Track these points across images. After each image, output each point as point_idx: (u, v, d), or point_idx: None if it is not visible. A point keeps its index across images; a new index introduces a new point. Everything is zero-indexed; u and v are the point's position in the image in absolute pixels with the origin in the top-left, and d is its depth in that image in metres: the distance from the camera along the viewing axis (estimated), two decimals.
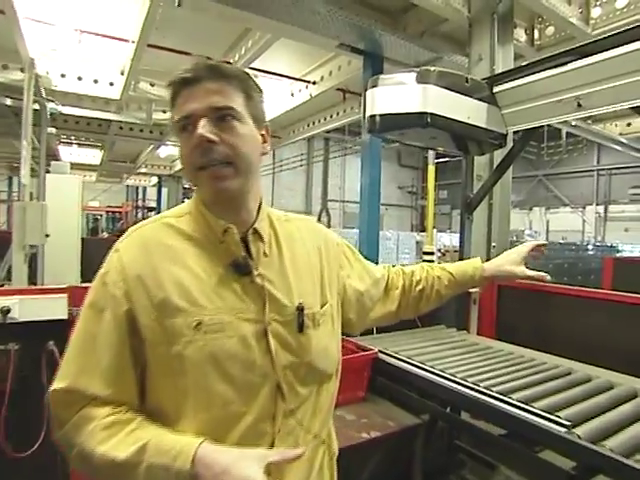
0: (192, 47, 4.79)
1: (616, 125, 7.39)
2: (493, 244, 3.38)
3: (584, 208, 20.12)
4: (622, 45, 1.80)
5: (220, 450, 0.74)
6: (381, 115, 2.22)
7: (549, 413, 1.43)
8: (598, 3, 3.57)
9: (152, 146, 9.43)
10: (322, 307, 0.96)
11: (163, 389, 0.83)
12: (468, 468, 2.10)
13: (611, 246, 12.18)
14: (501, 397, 1.57)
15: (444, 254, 15.49)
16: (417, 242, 20.57)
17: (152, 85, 5.94)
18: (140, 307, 0.83)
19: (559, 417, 1.40)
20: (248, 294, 0.88)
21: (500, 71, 2.81)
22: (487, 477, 2.01)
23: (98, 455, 0.75)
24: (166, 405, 0.83)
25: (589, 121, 6.63)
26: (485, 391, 1.62)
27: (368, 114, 2.27)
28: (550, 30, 3.88)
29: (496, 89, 2.36)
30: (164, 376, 0.83)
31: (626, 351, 2.04)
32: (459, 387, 1.69)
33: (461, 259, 2.98)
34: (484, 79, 2.40)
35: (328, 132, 15.26)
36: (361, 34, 3.59)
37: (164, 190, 14.19)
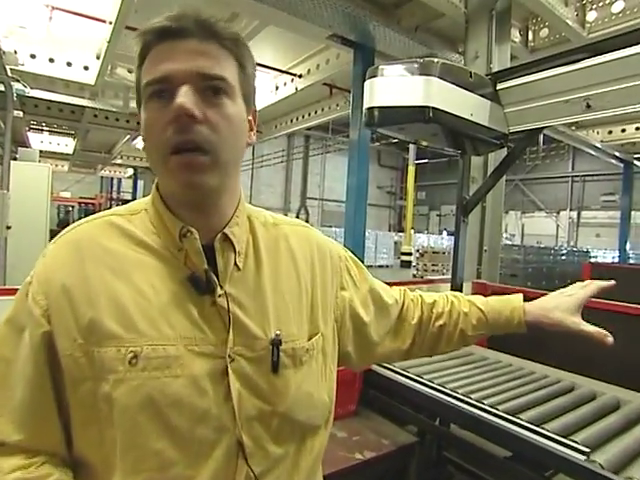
0: None
1: (598, 132, 7.49)
2: (485, 248, 3.30)
3: (558, 213, 20.60)
4: (636, 44, 1.70)
5: None
6: (380, 108, 2.07)
7: (564, 437, 1.31)
8: (594, 7, 3.52)
9: (128, 136, 9.11)
10: (310, 339, 0.75)
11: (88, 438, 0.64)
12: None
13: (586, 251, 12.44)
14: (509, 417, 1.44)
15: (423, 255, 15.57)
16: (395, 242, 20.74)
17: (130, 72, 5.68)
18: (62, 329, 0.63)
19: (576, 442, 1.28)
20: (207, 319, 0.66)
21: (500, 68, 2.70)
22: None
23: None
24: (92, 459, 0.64)
25: (573, 127, 6.67)
26: (491, 410, 1.50)
27: (366, 106, 2.11)
28: (544, 32, 3.82)
29: (500, 86, 2.24)
30: (89, 423, 0.63)
31: (621, 361, 1.96)
32: (462, 405, 1.55)
33: (455, 263, 2.87)
34: (487, 75, 2.28)
35: (309, 129, 15.14)
36: (354, 24, 3.45)
37: (140, 182, 13.80)
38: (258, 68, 5.57)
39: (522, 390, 1.68)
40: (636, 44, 1.71)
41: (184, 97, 0.62)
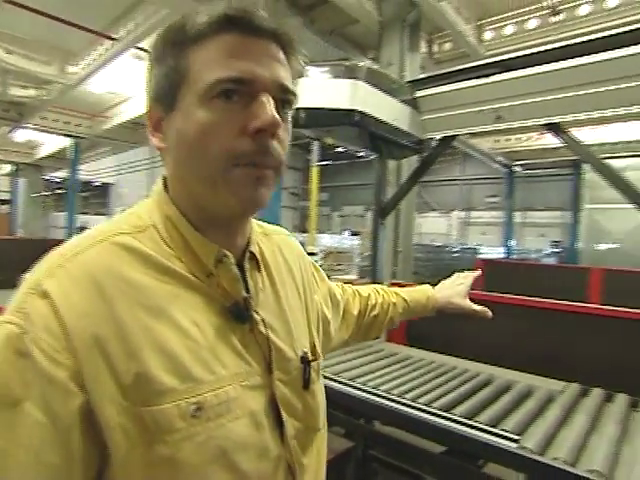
0: (67, 13, 4.09)
1: (487, 140, 8.30)
2: (400, 249, 3.44)
3: (449, 213, 22.36)
4: (543, 64, 1.88)
5: None
6: (306, 109, 2.05)
7: (494, 427, 1.40)
8: (489, 28, 3.86)
9: (8, 128, 8.03)
10: (314, 349, 0.73)
11: None
12: None
13: (475, 249, 13.66)
14: (444, 414, 1.50)
15: (328, 255, 15.95)
16: (300, 243, 20.95)
17: (9, 53, 4.99)
18: (102, 394, 0.49)
19: (507, 431, 1.37)
20: (248, 350, 0.61)
21: (415, 77, 2.83)
22: None
23: None
24: None
25: (467, 135, 7.28)
26: (426, 408, 1.54)
27: None
28: (448, 46, 4.10)
29: (418, 93, 2.35)
30: None
31: (526, 351, 2.17)
32: (399, 406, 1.58)
33: (374, 265, 2.95)
34: (407, 82, 2.38)
35: None
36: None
37: (21, 180, 12.28)
38: None
39: (450, 386, 1.76)
40: (542, 63, 1.89)
41: (273, 109, 0.55)
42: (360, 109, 2.00)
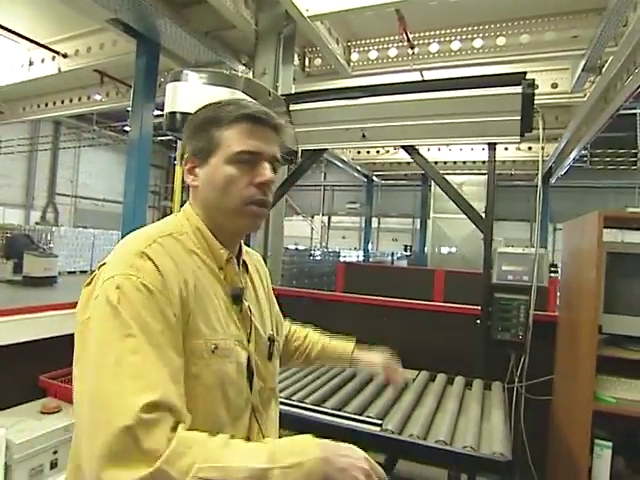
0: None
1: (350, 152, 8.97)
2: (269, 253, 3.54)
3: (312, 217, 23.34)
4: (403, 93, 2.15)
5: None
6: (183, 113, 2.03)
7: (360, 415, 1.57)
8: (356, 50, 4.21)
9: None
10: (275, 335, 1.06)
11: None
12: None
13: (338, 252, 14.51)
14: (317, 408, 1.63)
15: None
16: None
17: None
18: (181, 320, 0.79)
19: (371, 417, 1.55)
20: (241, 323, 0.93)
21: (291, 92, 2.97)
22: None
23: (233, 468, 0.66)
24: None
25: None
26: (299, 404, 1.66)
27: (168, 110, 2.03)
28: (318, 61, 4.35)
29: (292, 107, 2.48)
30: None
31: (384, 345, 2.45)
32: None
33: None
34: (282, 96, 2.49)
35: (70, 117, 13.15)
36: (142, 14, 3.21)
37: None
38: (5, 34, 4.58)
39: (319, 382, 1.91)
40: (399, 93, 2.16)
41: (270, 172, 0.89)
42: None
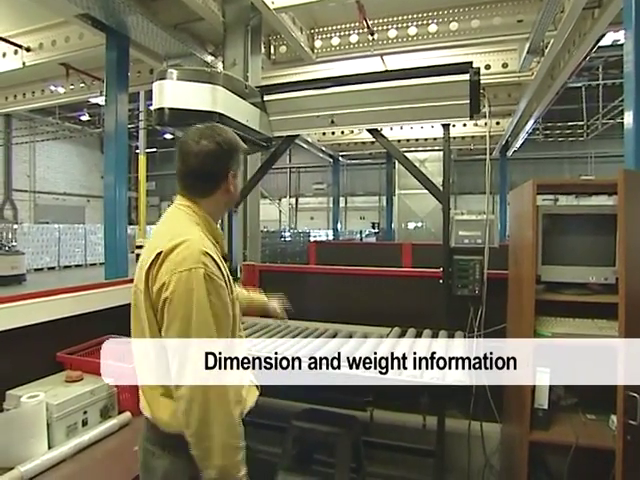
0: None
1: (315, 134, 9.15)
2: (248, 235, 3.78)
3: (280, 200, 23.44)
4: (366, 82, 2.41)
5: None
6: (170, 109, 2.22)
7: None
8: (319, 37, 4.40)
9: None
10: None
11: None
12: None
13: (308, 233, 14.81)
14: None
15: None
16: (128, 235, 19.37)
17: None
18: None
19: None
20: (234, 289, 1.34)
21: (270, 83, 3.16)
22: None
23: None
24: None
25: None
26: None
27: (156, 106, 2.22)
28: (283, 49, 4.52)
29: (266, 98, 2.69)
30: None
31: (359, 309, 2.78)
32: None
33: (230, 251, 3.22)
34: (257, 87, 2.69)
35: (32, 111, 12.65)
36: (110, 9, 3.30)
37: None
38: None
39: (307, 340, 2.20)
40: (363, 82, 2.42)
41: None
42: (219, 111, 2.25)
